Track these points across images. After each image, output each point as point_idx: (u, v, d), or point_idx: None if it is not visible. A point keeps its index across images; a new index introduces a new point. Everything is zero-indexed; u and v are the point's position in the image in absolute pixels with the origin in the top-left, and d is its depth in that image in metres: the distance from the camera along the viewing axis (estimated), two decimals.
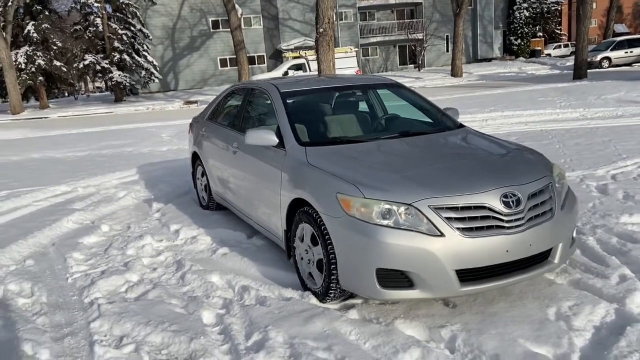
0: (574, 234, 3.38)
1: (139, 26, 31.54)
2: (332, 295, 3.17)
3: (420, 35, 38.64)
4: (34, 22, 28.67)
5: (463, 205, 2.85)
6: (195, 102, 26.24)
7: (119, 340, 2.91)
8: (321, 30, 17.10)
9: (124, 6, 31.01)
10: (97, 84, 35.26)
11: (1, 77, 26.13)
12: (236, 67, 26.22)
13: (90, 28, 30.17)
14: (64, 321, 3.21)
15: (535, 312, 2.98)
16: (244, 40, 26.91)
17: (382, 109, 4.80)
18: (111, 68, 29.79)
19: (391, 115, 4.52)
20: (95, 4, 29.62)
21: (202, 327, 3.01)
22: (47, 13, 29.68)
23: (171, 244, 4.56)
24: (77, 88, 36.31)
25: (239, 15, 25.97)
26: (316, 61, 18.92)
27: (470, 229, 2.82)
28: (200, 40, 36.87)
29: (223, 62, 37.27)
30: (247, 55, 36.59)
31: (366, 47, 40.50)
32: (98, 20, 29.99)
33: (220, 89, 32.43)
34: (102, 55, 30.03)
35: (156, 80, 32.39)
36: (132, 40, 31.00)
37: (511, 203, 2.90)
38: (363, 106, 4.78)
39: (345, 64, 25.38)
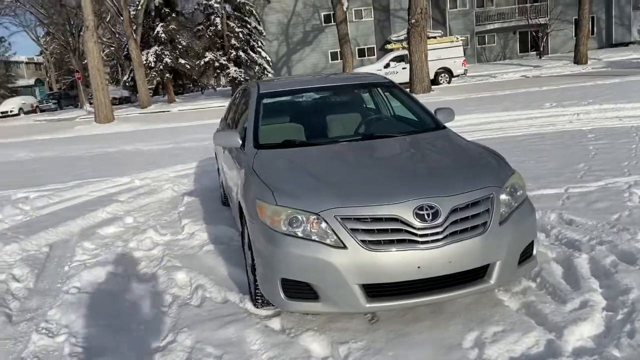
0: (534, 251, 3.02)
1: (254, 24, 33.11)
2: (259, 301, 3.16)
3: (543, 20, 35.61)
4: (162, 24, 31.52)
5: (372, 216, 2.68)
6: None
7: (57, 331, 3.16)
8: (413, 21, 16.64)
9: (241, 5, 32.75)
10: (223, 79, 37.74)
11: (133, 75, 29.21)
12: None
13: (210, 27, 32.33)
14: (33, 306, 3.57)
15: (452, 335, 2.72)
16: (348, 34, 27.03)
17: (363, 110, 4.56)
18: (228, 64, 31.71)
19: (369, 116, 4.29)
20: (215, 4, 31.66)
21: (132, 324, 3.18)
22: (174, 15, 32.43)
23: (172, 239, 4.81)
24: (201, 83, 39.23)
25: (344, 9, 26.14)
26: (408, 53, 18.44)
27: (378, 242, 2.64)
28: (312, 35, 37.76)
29: (333, 56, 37.76)
30: (357, 47, 37.07)
31: (482, 35, 38.33)
32: (218, 20, 32.04)
33: None
34: (220, 53, 32.08)
35: (269, 75, 33.83)
36: (248, 37, 32.66)
37: (426, 216, 2.66)
38: (344, 107, 4.59)
39: (450, 54, 24.31)
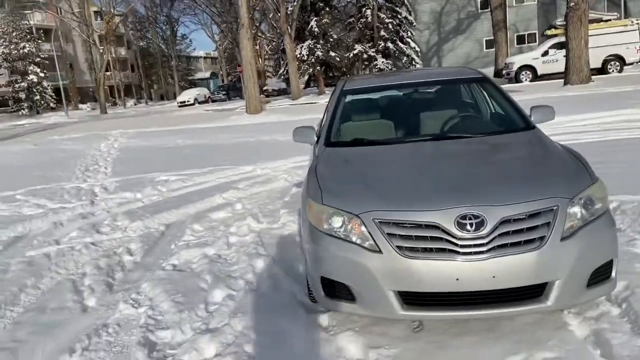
0: (613, 272, 2.67)
1: (405, 14, 32.76)
2: (312, 296, 3.23)
3: None
4: (316, 19, 32.80)
5: (411, 222, 2.59)
6: None
7: (142, 303, 3.59)
8: (572, 4, 15.06)
9: None
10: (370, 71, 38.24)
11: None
12: None
13: (361, 19, 32.78)
14: (133, 278, 4.09)
15: (495, 355, 2.52)
16: (505, 20, 25.36)
17: (446, 107, 4.23)
18: (376, 56, 31.93)
19: (450, 115, 4.02)
20: None
21: (201, 304, 3.47)
22: (327, 9, 33.52)
23: (266, 227, 5.09)
24: (350, 75, 40.03)
25: None
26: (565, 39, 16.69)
27: (415, 249, 2.55)
28: (466, 22, 36.15)
29: (489, 44, 35.64)
30: (516, 33, 34.54)
31: None
32: (368, 12, 32.35)
33: (485, 72, 31.38)
34: (369, 44, 32.40)
35: (417, 65, 33.27)
36: (398, 28, 32.47)
37: (469, 225, 2.50)
38: (426, 104, 4.33)
39: (623, 39, 21.41)
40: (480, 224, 2.51)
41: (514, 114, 3.77)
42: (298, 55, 32.23)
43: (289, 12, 30.09)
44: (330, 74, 36.14)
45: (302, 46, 32.82)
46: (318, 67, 32.92)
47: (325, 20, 32.73)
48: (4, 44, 44.54)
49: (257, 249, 4.39)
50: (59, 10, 45.18)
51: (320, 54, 32.37)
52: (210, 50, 78.76)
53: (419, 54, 32.93)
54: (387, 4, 32.93)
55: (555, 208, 2.56)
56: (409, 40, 32.55)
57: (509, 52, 29.46)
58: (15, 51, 44.69)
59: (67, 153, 12.28)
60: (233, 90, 46.16)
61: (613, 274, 2.68)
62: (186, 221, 5.56)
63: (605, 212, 2.71)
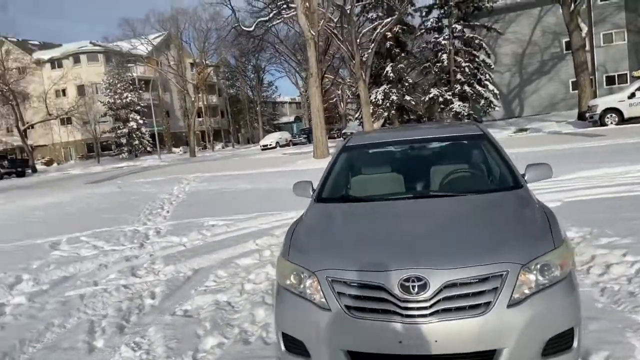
0: (575, 342, 2.57)
1: (482, 57, 32.33)
2: None
3: None
4: (392, 64, 33.28)
5: (359, 282, 2.65)
6: (526, 129, 25.16)
7: (142, 347, 3.86)
8: None
9: (471, 40, 32.41)
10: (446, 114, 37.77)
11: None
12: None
13: (437, 64, 32.78)
14: (145, 321, 4.37)
15: None
16: (587, 62, 24.28)
17: (441, 166, 4.17)
18: (452, 99, 31.59)
19: (442, 173, 4.01)
20: (444, 41, 32.03)
21: (189, 350, 3.66)
22: (403, 55, 33.94)
23: None
24: (426, 118, 39.86)
25: (583, 35, 23.67)
26: None
27: (362, 309, 2.60)
28: (550, 64, 34.89)
29: (575, 85, 34.11)
30: (605, 75, 32.78)
31: None
32: (444, 56, 32.31)
33: (569, 114, 29.91)
34: (446, 88, 32.18)
35: (496, 109, 32.43)
36: (475, 71, 32.04)
37: (411, 288, 2.52)
38: (422, 162, 4.31)
39: None
40: (423, 287, 2.52)
41: (505, 173, 3.74)
42: (373, 100, 32.74)
43: (364, 59, 30.84)
44: (406, 117, 36.22)
45: (378, 91, 33.34)
46: (393, 111, 33.16)
47: (401, 65, 33.13)
48: (110, 94, 49.41)
49: (264, 298, 4.53)
50: (159, 63, 49.50)
51: (395, 98, 32.68)
52: (295, 95, 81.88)
53: (498, 97, 32.11)
54: (464, 47, 32.73)
55: (504, 274, 2.52)
56: (487, 82, 31.94)
57: (598, 94, 28.00)
58: (119, 100, 49.43)
59: (141, 196, 13.28)
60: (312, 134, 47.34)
61: (575, 343, 2.57)
62: (214, 267, 5.84)
63: (566, 277, 2.62)
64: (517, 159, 14.12)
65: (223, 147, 58.60)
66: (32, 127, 51.23)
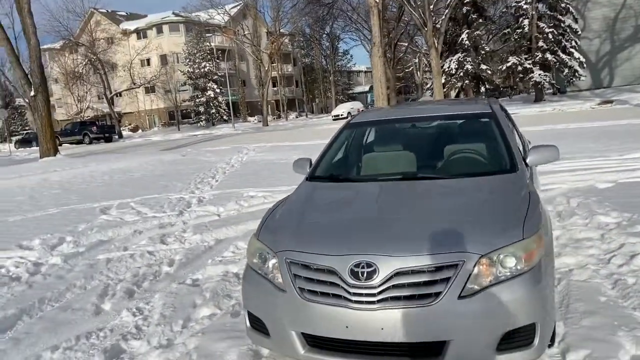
0: (536, 339, 2.44)
1: (568, 22, 29.95)
2: None
3: None
4: (468, 31, 31.71)
5: (314, 265, 2.63)
6: (611, 102, 23.20)
7: (144, 312, 4.04)
8: None
9: (556, 3, 30.07)
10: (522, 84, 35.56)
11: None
12: None
13: (517, 30, 30.80)
14: (155, 288, 4.56)
15: None
16: None
17: (441, 146, 3.96)
18: (533, 68, 29.68)
19: (441, 152, 3.84)
20: (525, 5, 29.95)
21: (180, 319, 3.79)
22: (481, 21, 32.18)
23: None
24: (507, 89, 37.82)
25: None
26: None
27: (314, 292, 2.59)
28: None
29: None
30: None
31: None
32: (526, 22, 30.26)
33: None
34: (526, 56, 30.26)
35: (582, 78, 30.09)
36: (560, 37, 29.79)
37: (360, 274, 2.47)
38: (423, 142, 4.18)
39: None
40: (372, 274, 2.46)
41: (502, 155, 3.54)
42: (446, 69, 31.54)
43: (437, 26, 29.60)
44: (486, 87, 34.61)
45: (452, 59, 32.03)
46: (467, 81, 31.77)
47: (478, 32, 31.49)
48: (189, 63, 51.15)
49: None
50: (235, 33, 50.40)
51: (470, 67, 31.24)
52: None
53: (584, 65, 29.73)
54: (548, 12, 30.44)
55: (459, 263, 2.41)
56: (572, 50, 29.63)
57: None
58: (198, 70, 51.07)
59: (200, 164, 13.77)
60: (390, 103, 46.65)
61: (536, 340, 2.42)
62: (238, 237, 5.97)
63: (530, 270, 2.46)
64: (584, 134, 13.24)
65: (296, 117, 59.20)
66: (120, 95, 54.46)
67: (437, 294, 2.39)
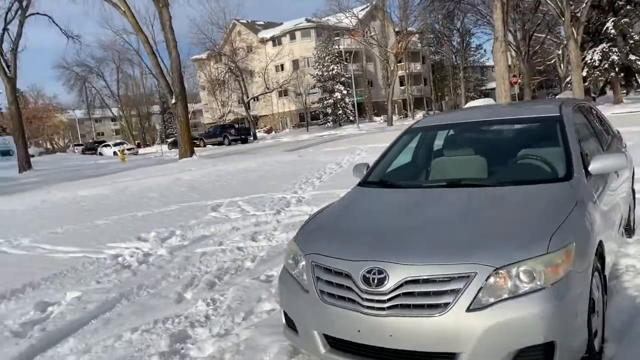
0: (555, 356, 2.35)
1: None
2: None
3: None
4: (614, 18, 28.62)
5: (333, 269, 2.77)
6: None
7: (214, 302, 4.45)
8: None
9: None
10: None
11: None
12: None
13: None
14: (234, 282, 4.97)
15: None
16: None
17: (503, 150, 3.88)
18: None
19: (498, 159, 3.73)
20: None
21: (239, 312, 4.11)
22: (629, 7, 28.84)
23: None
24: None
25: None
26: None
27: (332, 295, 2.73)
28: None
29: None
30: None
31: None
32: None
33: None
34: None
35: None
36: None
37: (371, 280, 2.55)
38: (485, 148, 4.00)
39: None
40: (382, 280, 2.52)
41: (558, 163, 3.35)
42: (589, 61, 28.83)
43: (578, 15, 27.18)
44: (631, 81, 31.02)
45: (595, 50, 29.16)
46: (612, 73, 28.67)
47: (626, 19, 28.25)
48: (318, 67, 52.94)
49: None
50: (364, 34, 51.04)
51: (616, 58, 28.19)
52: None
53: None
54: None
55: (471, 275, 2.38)
56: None
57: None
58: (326, 73, 52.65)
59: (312, 165, 14.31)
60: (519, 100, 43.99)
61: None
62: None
63: (550, 287, 2.36)
64: None
65: (424, 116, 58.13)
66: (256, 99, 58.17)
67: (446, 305, 2.38)
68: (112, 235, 7.32)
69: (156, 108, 71.91)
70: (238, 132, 45.12)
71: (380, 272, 2.54)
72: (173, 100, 21.00)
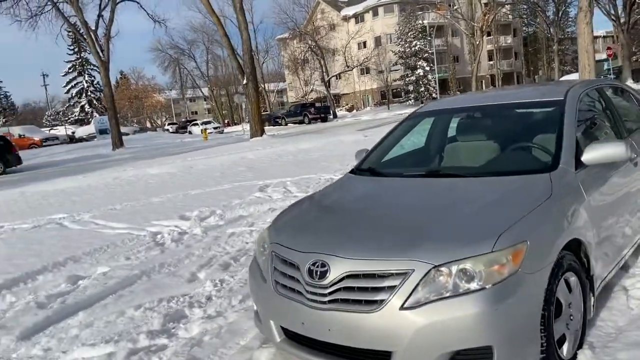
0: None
1: None
2: None
3: None
4: None
5: (288, 260, 2.76)
6: None
7: (222, 283, 4.56)
8: None
9: None
10: None
11: None
12: None
13: None
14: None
15: None
16: None
17: (497, 137, 3.57)
18: None
19: (487, 147, 3.49)
20: None
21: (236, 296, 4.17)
22: None
23: None
24: None
25: None
26: None
27: (284, 286, 2.73)
28: None
29: None
30: None
31: None
32: None
33: None
34: None
35: None
36: None
37: (314, 273, 2.52)
38: (481, 132, 3.75)
39: None
40: (325, 273, 2.47)
41: (547, 152, 3.10)
42: None
43: None
44: None
45: None
46: None
47: None
48: (401, 43, 51.70)
49: None
50: (451, 5, 48.93)
51: None
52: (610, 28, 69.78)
53: None
54: None
55: (408, 272, 2.28)
56: None
57: None
58: (409, 49, 51.30)
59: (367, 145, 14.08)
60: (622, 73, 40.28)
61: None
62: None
63: (491, 287, 2.21)
64: None
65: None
66: (339, 78, 58.08)
67: (382, 302, 2.29)
68: (160, 213, 7.71)
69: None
70: (318, 110, 45.41)
71: (323, 265, 2.49)
72: (244, 81, 21.54)
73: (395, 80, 53.60)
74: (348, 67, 51.03)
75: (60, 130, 53.00)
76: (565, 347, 2.56)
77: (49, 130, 53.62)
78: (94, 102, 64.86)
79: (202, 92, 78.64)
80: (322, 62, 49.62)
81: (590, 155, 3.00)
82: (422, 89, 51.22)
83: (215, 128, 46.83)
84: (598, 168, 3.04)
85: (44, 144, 42.01)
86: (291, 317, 2.63)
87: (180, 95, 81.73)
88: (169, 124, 68.07)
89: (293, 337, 2.71)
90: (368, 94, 61.38)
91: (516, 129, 3.60)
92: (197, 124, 51.06)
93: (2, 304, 4.54)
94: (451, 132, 4.05)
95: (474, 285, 2.23)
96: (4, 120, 71.03)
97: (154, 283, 4.71)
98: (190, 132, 49.09)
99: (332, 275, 2.44)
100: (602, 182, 3.08)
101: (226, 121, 64.13)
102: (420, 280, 2.26)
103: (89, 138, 47.17)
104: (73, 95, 67.57)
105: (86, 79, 65.71)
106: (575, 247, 2.70)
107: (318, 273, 2.49)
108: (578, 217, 2.72)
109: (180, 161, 16.17)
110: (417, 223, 2.65)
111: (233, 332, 3.47)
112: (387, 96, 55.51)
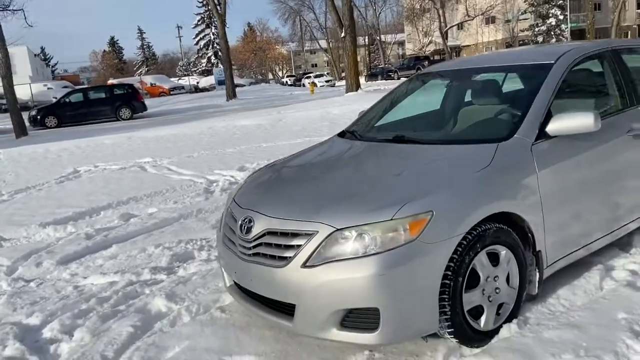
0: (380, 326, 2.37)
1: None
2: None
3: None
4: None
5: (233, 215, 3.03)
6: None
7: None
8: None
9: None
10: None
11: None
12: None
13: None
14: None
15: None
16: None
17: (477, 102, 3.58)
18: None
19: (462, 113, 3.60)
20: None
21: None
22: None
23: None
24: None
25: None
26: None
27: (228, 238, 3.02)
28: None
29: None
30: None
31: None
32: None
33: None
34: None
35: None
36: None
37: (243, 228, 2.80)
38: (464, 97, 3.80)
39: None
40: (250, 229, 2.73)
41: (510, 120, 3.07)
42: None
43: None
44: None
45: None
46: None
47: None
48: None
49: None
50: None
51: None
52: None
53: None
54: None
55: (313, 233, 2.47)
56: None
57: None
58: None
59: None
60: None
61: (380, 327, 2.34)
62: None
63: (384, 253, 2.33)
64: None
65: None
66: (460, 28, 54.97)
67: (289, 258, 2.49)
68: (225, 163, 8.29)
69: (360, 40, 73.40)
70: (432, 64, 43.81)
71: (250, 220, 2.74)
72: (342, 34, 21.38)
73: (522, 31, 49.43)
74: (469, 16, 47.99)
75: (188, 80, 57.16)
76: (483, 319, 2.57)
77: (177, 80, 58.12)
78: (219, 53, 68.55)
79: (319, 44, 79.21)
80: (440, 10, 47.18)
81: (555, 125, 2.85)
82: (554, 40, 46.72)
83: (327, 81, 47.30)
84: (574, 140, 2.87)
85: (171, 92, 45.82)
86: (230, 266, 2.94)
87: (300, 48, 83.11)
88: (287, 77, 69.95)
89: (238, 285, 2.98)
90: (492, 46, 57.40)
91: (499, 94, 3.44)
92: (309, 77, 51.92)
93: (62, 233, 5.35)
94: (426, 98, 3.97)
95: (369, 250, 2.35)
96: (146, 69, 78.00)
97: (183, 226, 5.22)
98: (303, 85, 50.15)
99: (255, 231, 2.68)
100: (574, 155, 2.86)
101: (343, 74, 64.32)
102: (322, 241, 2.42)
103: (210, 88, 50.37)
104: (201, 46, 72.00)
105: (213, 31, 69.41)
106: (519, 220, 2.64)
107: (245, 228, 2.74)
108: (518, 191, 2.65)
109: (276, 113, 16.82)
110: (338, 188, 2.79)
111: (217, 275, 3.81)
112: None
